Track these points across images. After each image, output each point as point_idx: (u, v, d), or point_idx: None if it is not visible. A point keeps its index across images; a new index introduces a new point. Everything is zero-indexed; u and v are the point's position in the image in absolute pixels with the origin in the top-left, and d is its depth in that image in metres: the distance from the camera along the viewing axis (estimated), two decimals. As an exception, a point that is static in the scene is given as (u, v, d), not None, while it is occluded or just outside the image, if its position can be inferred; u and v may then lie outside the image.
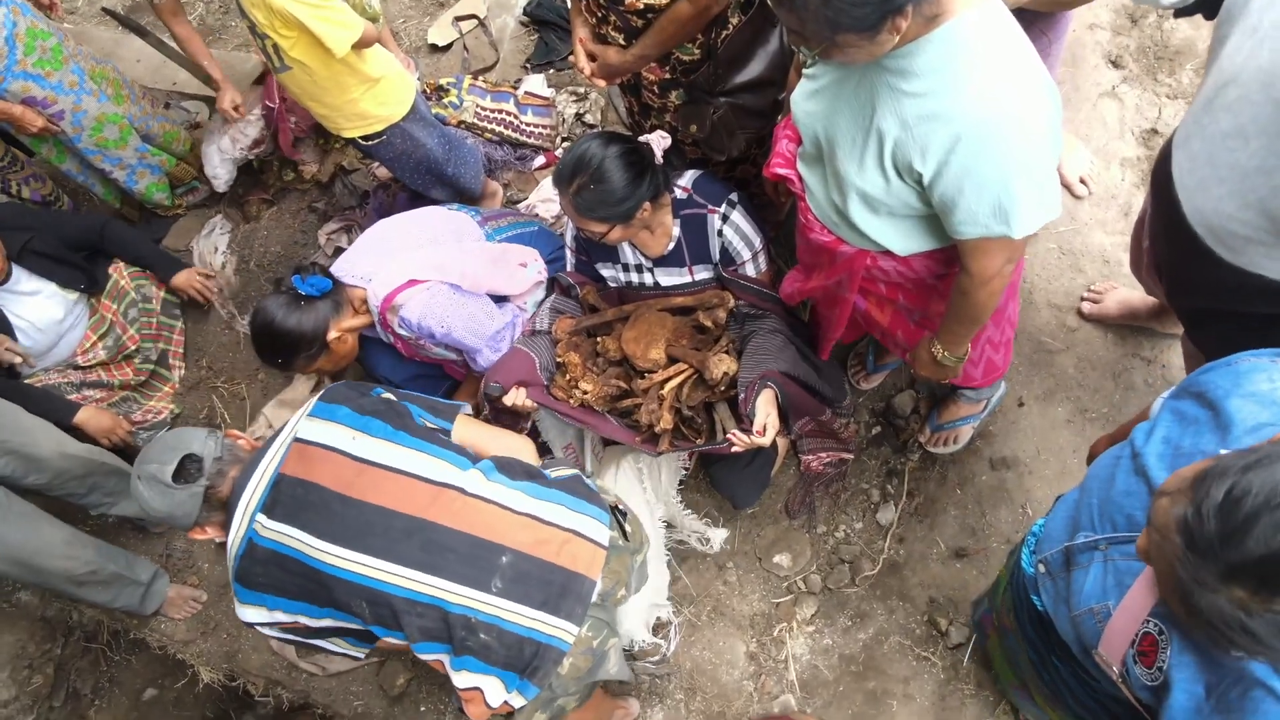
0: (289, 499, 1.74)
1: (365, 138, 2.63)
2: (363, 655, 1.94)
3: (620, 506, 1.94)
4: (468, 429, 2.02)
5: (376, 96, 2.56)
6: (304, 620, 1.78)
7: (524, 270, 2.55)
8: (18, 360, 2.78)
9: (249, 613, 1.79)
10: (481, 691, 1.72)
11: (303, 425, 1.82)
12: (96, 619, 2.98)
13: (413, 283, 2.34)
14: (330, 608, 1.75)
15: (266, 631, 1.83)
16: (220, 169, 3.32)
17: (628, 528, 1.92)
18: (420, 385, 2.68)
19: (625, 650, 2.49)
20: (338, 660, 2.68)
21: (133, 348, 3.08)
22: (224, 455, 1.79)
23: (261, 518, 1.74)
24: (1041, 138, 1.48)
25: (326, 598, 1.73)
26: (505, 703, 1.73)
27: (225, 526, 1.78)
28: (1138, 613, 1.22)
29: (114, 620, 2.94)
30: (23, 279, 2.81)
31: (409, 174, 2.82)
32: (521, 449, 2.11)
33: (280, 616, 1.78)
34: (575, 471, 1.96)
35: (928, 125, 1.48)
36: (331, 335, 2.33)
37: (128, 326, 3.06)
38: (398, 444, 1.79)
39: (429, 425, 1.95)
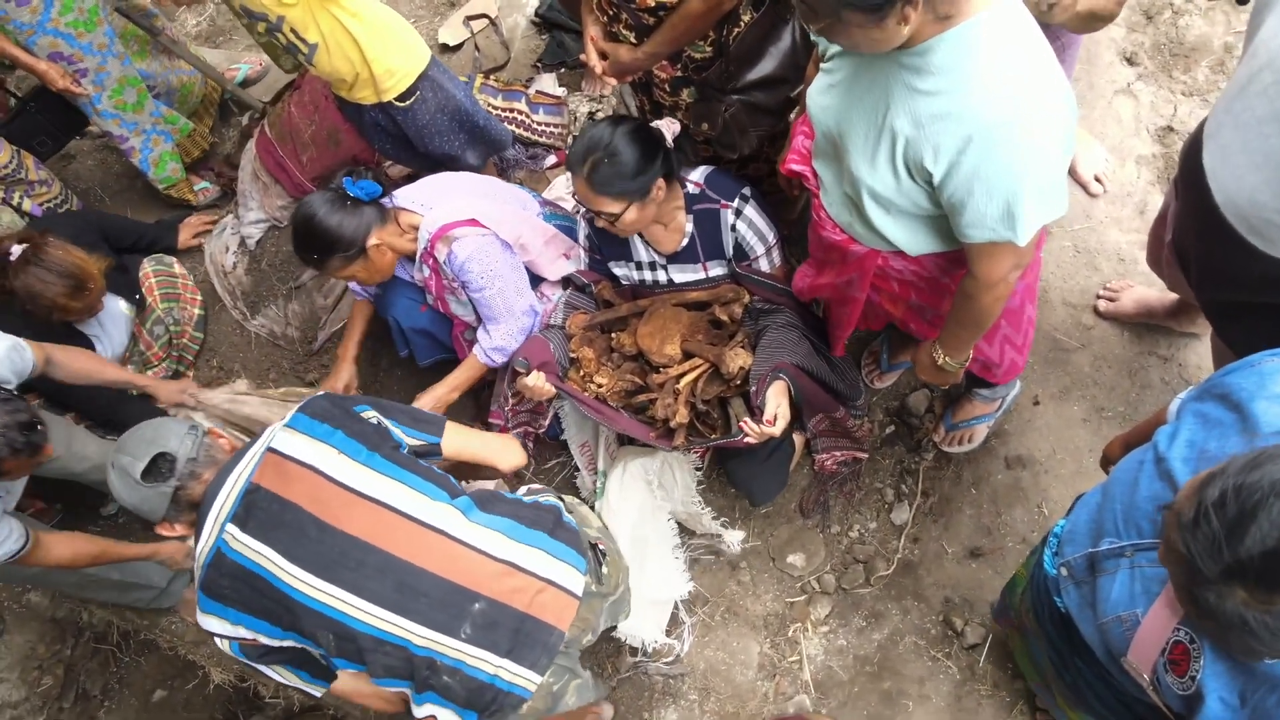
0: (263, 514, 1.71)
1: (401, 98, 2.61)
2: (319, 693, 1.92)
3: (601, 546, 1.93)
4: (455, 433, 2.02)
5: (390, 45, 2.54)
6: (263, 639, 1.76)
7: (565, 261, 2.56)
8: None
9: (210, 622, 1.76)
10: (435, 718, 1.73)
11: (280, 436, 1.78)
12: (106, 620, 2.98)
13: (474, 222, 2.34)
14: (294, 632, 1.73)
15: (224, 645, 1.81)
16: (232, 254, 3.37)
17: (604, 570, 1.91)
18: (423, 343, 2.69)
19: (639, 652, 2.48)
20: None
21: (155, 364, 3.09)
22: (199, 456, 1.76)
23: (233, 529, 1.71)
24: (1053, 142, 1.47)
25: (291, 623, 1.72)
26: None
27: (196, 528, 1.76)
28: (1167, 621, 1.21)
29: (124, 621, 2.93)
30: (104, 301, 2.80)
31: (446, 134, 2.78)
32: (505, 448, 2.15)
33: (242, 632, 1.76)
34: (556, 504, 1.94)
35: (940, 125, 1.47)
36: (372, 242, 2.31)
37: (152, 343, 3.07)
38: (379, 472, 1.77)
39: (413, 442, 1.93)
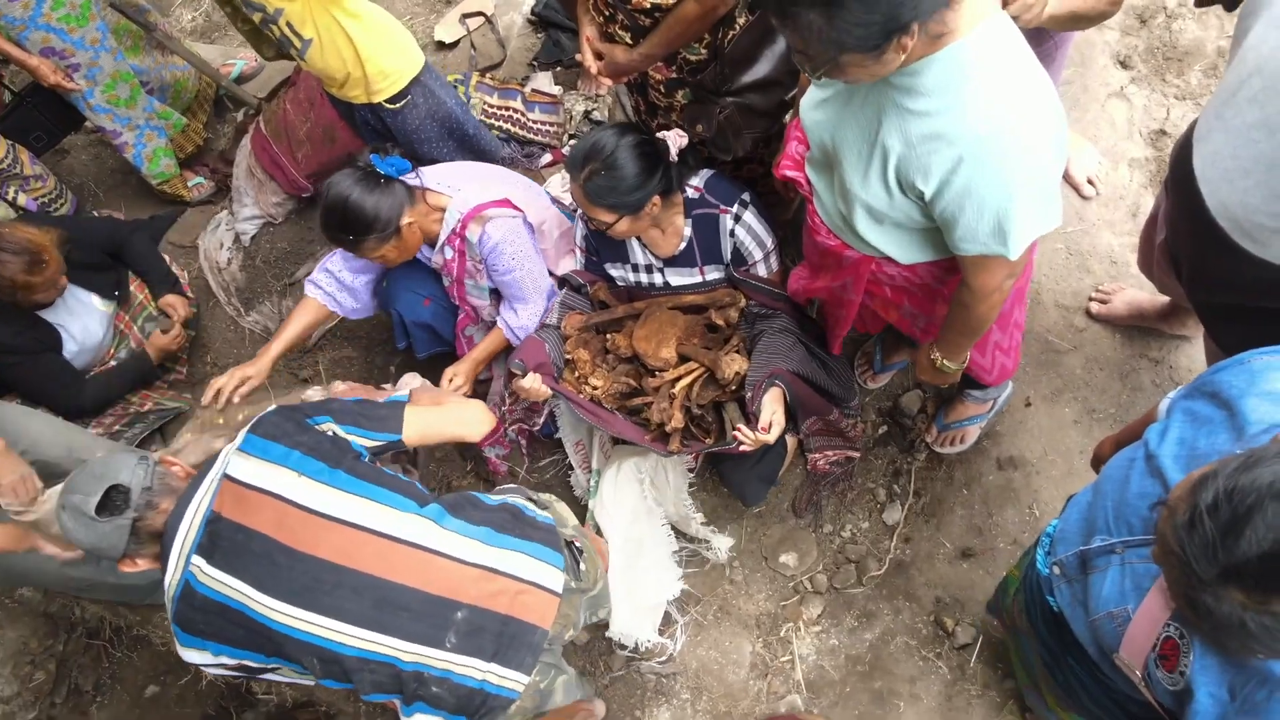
0: (229, 545, 1.67)
1: (393, 100, 2.61)
2: (313, 682, 1.86)
3: (577, 543, 1.92)
4: (416, 418, 1.97)
5: (385, 48, 2.54)
6: (250, 663, 1.75)
7: (570, 258, 2.57)
8: None
9: (191, 655, 1.73)
10: None
11: (234, 462, 1.74)
12: (99, 615, 2.97)
13: (506, 203, 2.35)
14: (279, 658, 1.72)
15: (211, 671, 1.77)
16: (227, 250, 3.37)
17: (582, 565, 1.91)
18: (423, 336, 2.70)
19: (633, 651, 2.49)
20: None
21: None
22: (154, 485, 1.70)
23: (199, 561, 1.67)
24: (1044, 158, 1.48)
25: (274, 650, 1.70)
26: None
27: (161, 560, 1.71)
28: (1157, 616, 1.22)
29: (116, 617, 2.93)
30: (69, 292, 2.82)
31: (435, 141, 2.79)
32: (473, 413, 2.10)
33: (225, 660, 1.73)
34: (525, 504, 1.92)
35: (931, 145, 1.48)
36: (405, 221, 2.28)
37: (142, 340, 3.07)
38: (342, 489, 1.74)
39: (373, 444, 1.89)
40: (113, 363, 3.01)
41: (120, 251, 3.07)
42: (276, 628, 1.66)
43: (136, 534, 1.67)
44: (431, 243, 2.45)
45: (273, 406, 1.87)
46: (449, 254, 2.42)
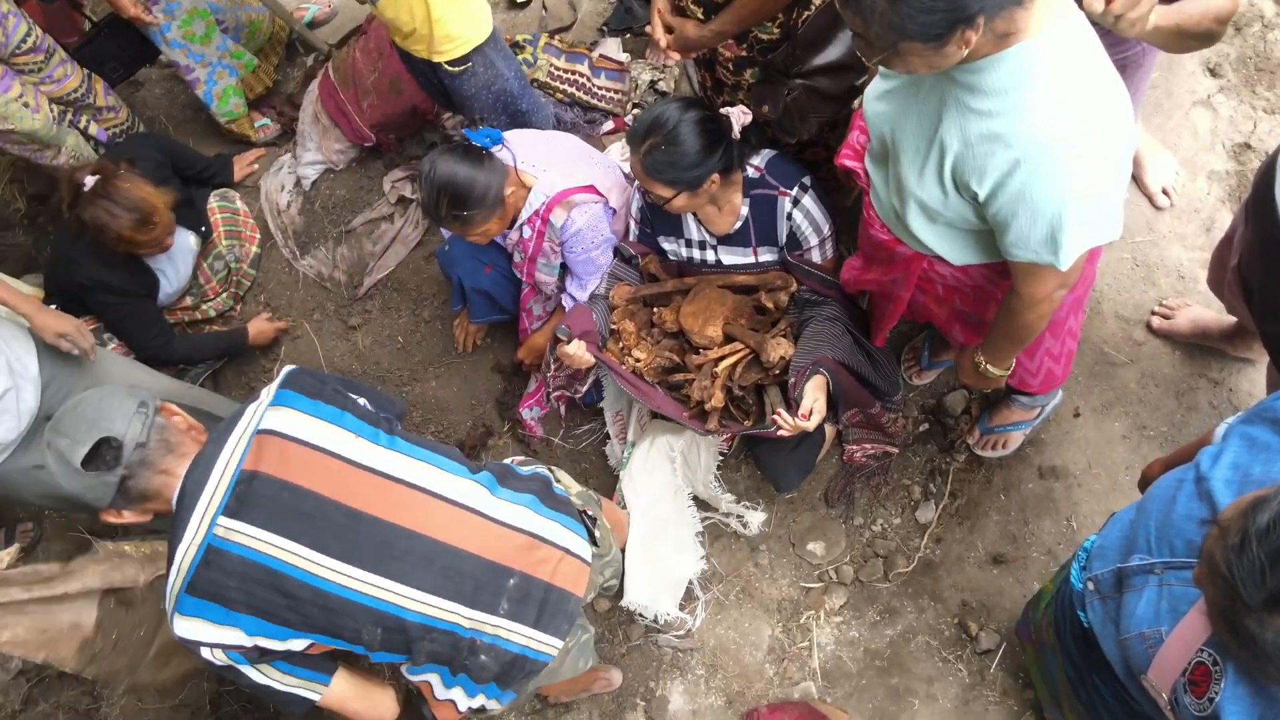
0: (270, 502, 1.54)
1: (453, 63, 2.60)
2: (318, 697, 1.70)
3: (589, 512, 1.93)
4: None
5: (457, 12, 2.52)
6: (268, 644, 1.58)
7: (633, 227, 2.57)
8: None
9: (192, 626, 1.53)
10: (454, 702, 1.74)
11: (271, 416, 1.61)
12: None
13: (592, 189, 2.38)
14: (322, 633, 1.60)
15: (205, 654, 1.57)
16: (287, 193, 3.42)
17: (597, 533, 1.92)
18: (480, 302, 2.75)
19: (652, 623, 2.51)
20: None
21: (212, 298, 3.18)
22: (150, 440, 1.54)
23: (226, 521, 1.53)
24: (1106, 169, 1.43)
25: (317, 620, 1.57)
26: (481, 706, 1.76)
27: (175, 527, 1.55)
28: (1191, 641, 1.20)
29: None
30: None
31: (487, 111, 2.79)
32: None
33: (240, 637, 1.55)
34: (548, 474, 1.93)
35: (989, 145, 1.45)
36: (509, 190, 2.29)
37: (211, 278, 3.15)
38: (401, 453, 1.70)
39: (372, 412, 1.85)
40: (188, 299, 3.09)
41: (174, 166, 3.08)
42: (336, 591, 1.56)
43: (125, 492, 1.53)
44: (510, 220, 2.45)
45: (290, 366, 1.76)
46: (526, 233, 2.43)
